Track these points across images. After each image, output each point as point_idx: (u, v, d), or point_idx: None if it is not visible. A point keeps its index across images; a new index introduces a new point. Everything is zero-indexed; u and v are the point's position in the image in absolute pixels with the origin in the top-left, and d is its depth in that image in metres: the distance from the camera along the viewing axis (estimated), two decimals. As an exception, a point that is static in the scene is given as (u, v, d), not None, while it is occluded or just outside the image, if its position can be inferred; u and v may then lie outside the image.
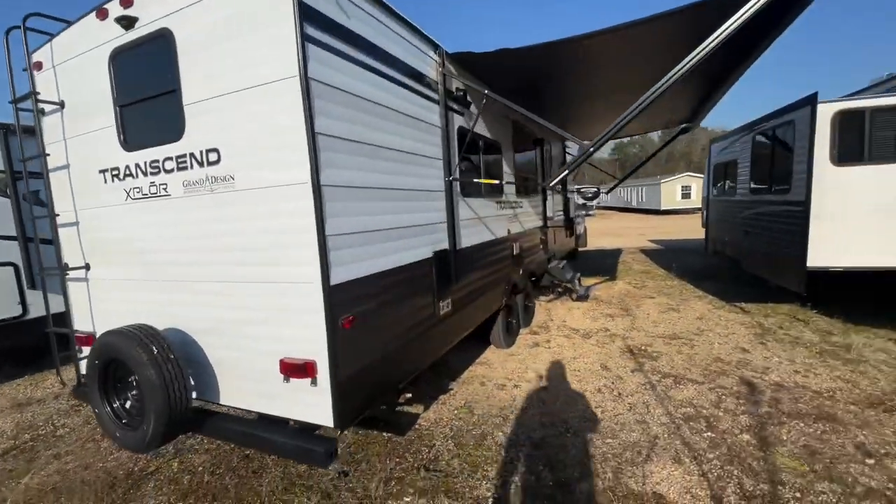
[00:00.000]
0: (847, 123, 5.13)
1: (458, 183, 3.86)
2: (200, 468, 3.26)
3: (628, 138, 75.39)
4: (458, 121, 3.84)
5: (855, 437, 3.11)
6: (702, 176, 36.54)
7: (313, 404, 2.34)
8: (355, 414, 2.46)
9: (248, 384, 2.63)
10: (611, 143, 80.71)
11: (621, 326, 6.10)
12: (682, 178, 35.77)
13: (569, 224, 9.70)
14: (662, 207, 34.31)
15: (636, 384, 4.16)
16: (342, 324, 2.28)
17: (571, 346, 5.34)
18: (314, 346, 2.27)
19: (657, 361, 4.69)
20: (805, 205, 5.04)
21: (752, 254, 6.80)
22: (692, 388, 3.99)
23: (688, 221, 26.75)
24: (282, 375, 2.38)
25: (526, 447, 3.22)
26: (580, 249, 15.07)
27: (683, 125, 7.08)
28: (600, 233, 22.39)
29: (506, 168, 5.29)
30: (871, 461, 2.83)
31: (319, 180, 2.16)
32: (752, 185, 6.84)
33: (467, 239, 4.01)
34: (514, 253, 5.46)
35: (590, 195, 29.43)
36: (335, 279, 2.24)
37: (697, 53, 2.74)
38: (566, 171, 3.53)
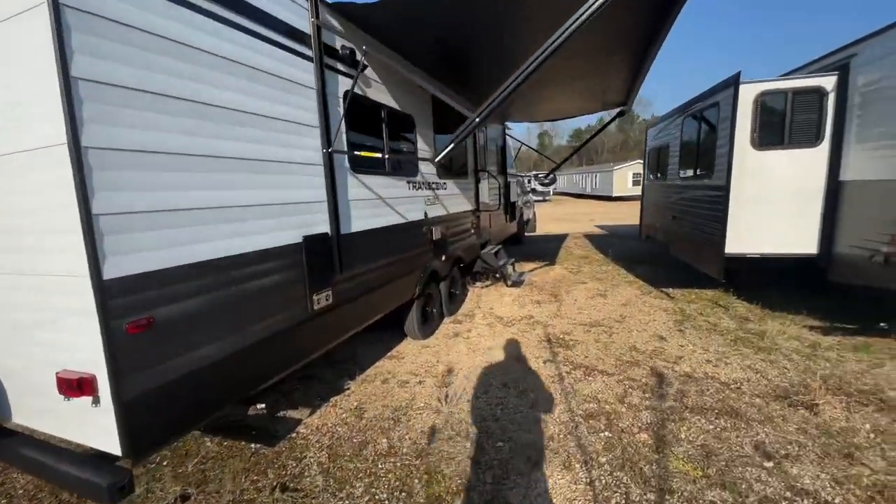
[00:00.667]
0: (769, 106, 5.01)
1: (346, 157, 3.36)
2: (21, 491, 2.70)
3: (585, 125, 76.59)
4: (344, 84, 3.31)
5: (756, 434, 2.93)
6: (652, 163, 37.89)
7: (99, 428, 1.83)
8: (160, 439, 1.96)
9: (32, 400, 2.08)
10: (568, 131, 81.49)
11: (546, 313, 5.88)
12: (633, 166, 36.61)
13: (510, 208, 9.41)
14: (614, 194, 35.07)
15: (546, 376, 3.88)
16: (127, 328, 1.76)
17: (491, 336, 5.03)
18: (91, 356, 1.75)
19: (572, 351, 4.45)
20: (725, 189, 4.90)
21: (679, 239, 6.72)
22: (600, 381, 3.75)
23: (637, 208, 27.43)
24: (60, 392, 1.85)
25: (408, 457, 2.84)
26: (529, 234, 14.98)
27: (620, 108, 6.87)
28: (552, 218, 22.51)
29: (422, 145, 4.82)
30: (770, 464, 2.63)
31: (79, 141, 1.62)
32: (681, 170, 6.73)
33: (361, 221, 3.54)
34: (433, 238, 5.04)
35: (546, 181, 29.49)
36: (114, 271, 1.72)
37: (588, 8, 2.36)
38: (451, 146, 3.10)
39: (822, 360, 4.02)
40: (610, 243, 11.71)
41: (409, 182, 4.50)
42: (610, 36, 3.79)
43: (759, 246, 5.13)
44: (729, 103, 4.93)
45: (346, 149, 3.34)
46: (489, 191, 7.60)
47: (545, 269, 8.72)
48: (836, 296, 5.53)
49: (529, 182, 42.91)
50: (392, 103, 4.10)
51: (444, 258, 5.44)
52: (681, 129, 6.71)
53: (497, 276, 7.89)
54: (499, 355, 4.43)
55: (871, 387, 3.47)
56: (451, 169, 5.86)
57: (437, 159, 3.22)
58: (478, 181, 6.92)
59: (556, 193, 44.06)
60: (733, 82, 4.90)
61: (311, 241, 2.90)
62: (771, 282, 6.30)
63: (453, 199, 5.80)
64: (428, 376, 4.01)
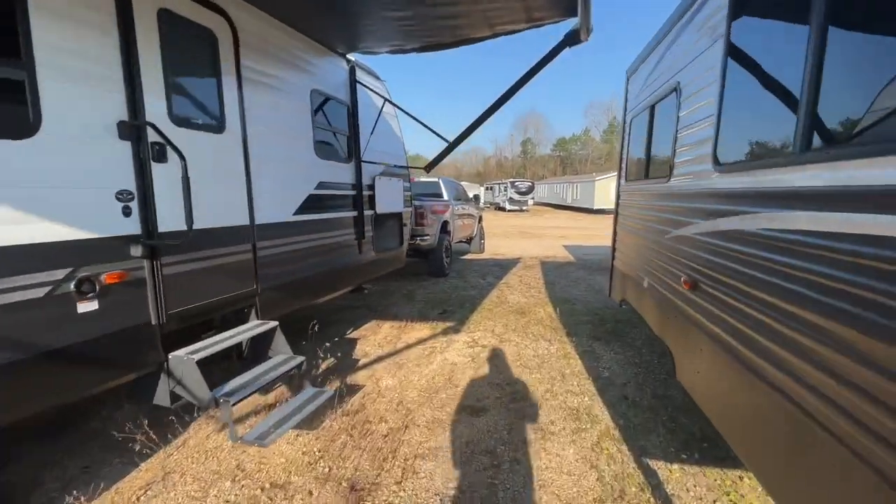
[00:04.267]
0: None
1: None
2: None
3: (570, 134, 72.90)
4: None
5: None
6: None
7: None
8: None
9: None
10: (552, 139, 77.66)
11: None
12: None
13: (373, 225, 5.08)
14: (595, 206, 31.22)
15: None
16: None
17: None
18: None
19: None
20: None
21: (693, 346, 2.50)
22: None
23: (618, 223, 23.39)
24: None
25: None
26: (472, 257, 10.71)
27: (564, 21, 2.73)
28: (518, 231, 18.30)
29: None
30: None
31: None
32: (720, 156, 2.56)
33: None
34: None
35: (524, 189, 25.16)
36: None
37: None
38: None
39: None
40: (571, 281, 7.49)
41: None
42: None
43: None
44: None
45: None
46: (294, 188, 3.33)
47: (416, 354, 4.40)
48: None
49: (506, 189, 38.77)
50: None
51: None
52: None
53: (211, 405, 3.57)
54: None
55: None
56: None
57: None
58: (247, 165, 2.64)
59: (536, 203, 40.03)
60: None
61: None
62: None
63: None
64: None
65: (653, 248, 2.95)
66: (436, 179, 9.28)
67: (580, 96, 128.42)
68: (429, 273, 7.93)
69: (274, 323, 2.94)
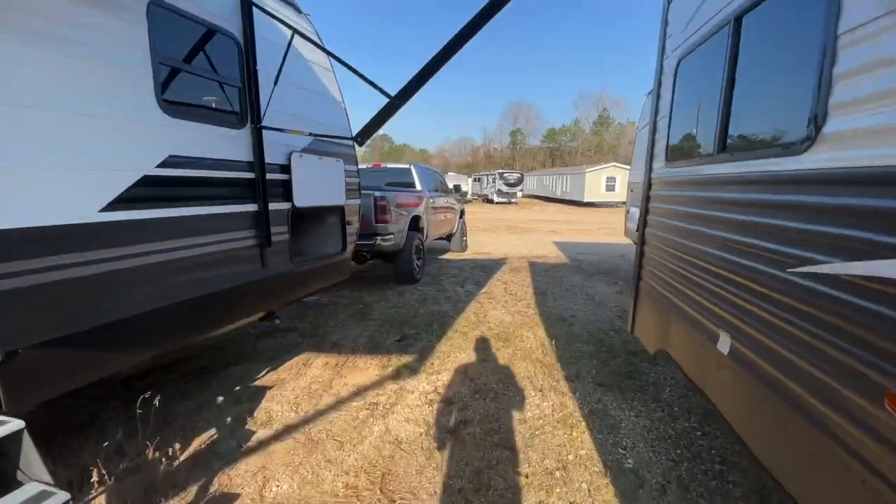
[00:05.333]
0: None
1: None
2: None
3: (560, 125, 71.29)
4: None
5: None
6: (628, 168, 32.37)
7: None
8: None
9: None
10: (542, 130, 75.96)
11: None
12: (607, 169, 31.67)
13: (277, 225, 3.62)
14: (585, 199, 30.07)
15: None
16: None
17: None
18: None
19: None
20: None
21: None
22: None
23: (610, 217, 22.24)
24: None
25: None
26: (452, 257, 9.29)
27: None
28: (505, 226, 16.96)
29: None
30: None
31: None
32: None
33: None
34: None
35: (513, 181, 23.69)
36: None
37: None
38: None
39: None
40: (566, 290, 6.12)
41: None
42: None
43: None
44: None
45: None
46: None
47: (346, 420, 2.99)
48: None
49: (494, 181, 37.58)
50: None
51: None
52: None
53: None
54: None
55: None
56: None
57: None
58: None
59: (525, 196, 38.69)
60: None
61: None
62: None
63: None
64: None
65: (754, 290, 1.53)
66: (407, 166, 7.80)
67: (570, 87, 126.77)
68: (395, 279, 6.49)
69: (16, 425, 1.49)
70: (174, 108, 2.25)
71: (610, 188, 30.54)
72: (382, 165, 8.18)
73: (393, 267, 6.41)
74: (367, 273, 7.33)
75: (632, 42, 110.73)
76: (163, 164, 2.16)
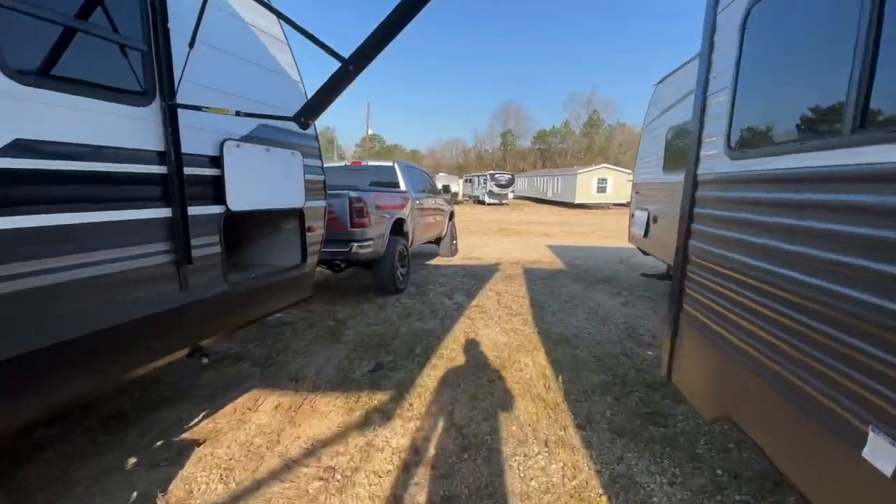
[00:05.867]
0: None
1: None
2: None
3: (550, 126, 70.78)
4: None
5: None
6: (620, 169, 31.84)
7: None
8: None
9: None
10: (532, 132, 75.30)
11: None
12: (598, 171, 31.31)
13: (187, 228, 2.90)
14: (577, 201, 29.66)
15: None
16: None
17: None
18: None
19: None
20: None
21: None
22: None
23: (603, 219, 21.78)
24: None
25: None
26: (439, 262, 8.59)
27: None
28: (497, 228, 16.34)
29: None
30: None
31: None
32: None
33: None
34: None
35: (504, 182, 23.01)
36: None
37: None
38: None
39: None
40: (565, 302, 5.46)
41: None
42: None
43: None
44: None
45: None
46: None
47: (286, 501, 2.31)
48: None
49: (485, 182, 37.01)
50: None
51: None
52: None
53: None
54: None
55: None
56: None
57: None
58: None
59: (516, 197, 38.11)
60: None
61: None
62: None
63: None
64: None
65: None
66: (390, 164, 7.09)
67: (560, 88, 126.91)
68: (376, 290, 5.78)
69: None
70: (29, 73, 1.52)
71: (601, 189, 30.20)
72: (363, 163, 7.45)
73: (373, 276, 5.69)
74: (345, 283, 6.59)
75: (621, 43, 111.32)
76: (3, 153, 1.43)
